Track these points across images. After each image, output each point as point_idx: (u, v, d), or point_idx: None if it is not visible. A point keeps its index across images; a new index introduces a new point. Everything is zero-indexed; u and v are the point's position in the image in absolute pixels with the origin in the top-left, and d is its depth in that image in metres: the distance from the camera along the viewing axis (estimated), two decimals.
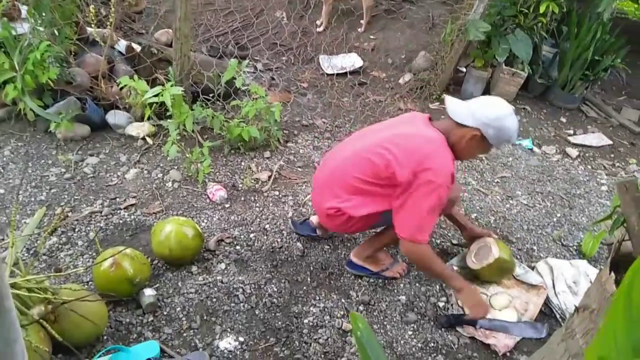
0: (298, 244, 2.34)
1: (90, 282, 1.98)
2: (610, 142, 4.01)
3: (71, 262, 2.09)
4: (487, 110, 1.79)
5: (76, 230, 2.27)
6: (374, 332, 0.74)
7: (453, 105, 1.88)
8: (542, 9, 3.83)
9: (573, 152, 3.77)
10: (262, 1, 4.39)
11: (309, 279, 2.16)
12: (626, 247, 1.50)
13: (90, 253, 2.15)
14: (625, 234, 1.43)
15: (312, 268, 2.22)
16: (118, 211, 2.42)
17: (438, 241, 2.51)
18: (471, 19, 3.71)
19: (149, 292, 1.91)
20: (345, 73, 4.19)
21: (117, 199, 2.51)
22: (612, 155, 3.88)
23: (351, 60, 4.38)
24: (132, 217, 2.40)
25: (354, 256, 2.21)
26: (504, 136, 1.82)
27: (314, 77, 4.23)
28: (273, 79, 4.13)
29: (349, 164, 1.94)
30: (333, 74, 4.21)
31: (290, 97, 3.80)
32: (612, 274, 1.34)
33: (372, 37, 4.85)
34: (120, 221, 2.36)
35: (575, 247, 2.64)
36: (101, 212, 2.39)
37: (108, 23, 3.10)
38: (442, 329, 2.01)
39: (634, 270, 0.56)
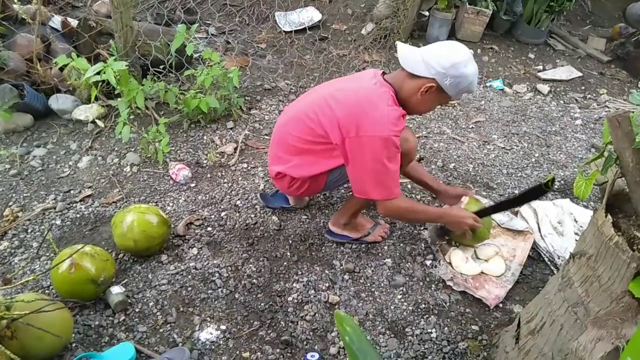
0: (273, 217, 2.20)
1: (51, 287, 1.81)
2: (580, 74, 3.94)
3: (27, 267, 1.91)
4: (442, 58, 1.60)
5: (29, 231, 2.07)
6: (363, 334, 0.67)
7: (404, 53, 1.68)
8: None
9: (544, 88, 3.68)
10: None
11: (288, 254, 2.03)
12: (618, 186, 1.41)
13: (47, 254, 1.97)
14: (617, 173, 1.34)
15: (290, 241, 2.09)
16: (74, 205, 2.23)
17: (418, 196, 2.41)
18: None
19: (116, 290, 1.76)
20: (304, 29, 3.94)
21: (72, 192, 2.31)
22: (583, 88, 3.81)
23: (309, 15, 4.12)
24: (90, 209, 2.21)
25: (332, 225, 2.09)
26: (463, 85, 1.64)
27: (271, 37, 3.97)
28: (228, 42, 3.86)
29: (290, 124, 1.85)
30: (291, 31, 3.96)
31: (248, 60, 3.56)
32: (609, 216, 1.25)
33: None
34: (78, 215, 2.17)
35: (557, 187, 2.59)
36: (55, 208, 2.19)
37: None
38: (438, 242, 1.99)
39: None
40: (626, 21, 4.73)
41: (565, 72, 3.96)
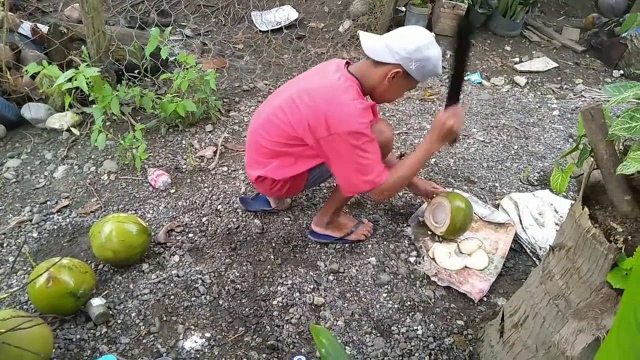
0: (256, 220, 2.18)
1: (28, 302, 1.77)
2: (556, 65, 3.99)
3: (3, 282, 1.86)
4: (405, 43, 1.60)
5: (4, 245, 2.02)
6: (340, 345, 0.66)
7: (367, 41, 1.67)
8: None
9: (521, 80, 3.72)
10: None
11: (272, 257, 2.02)
12: (594, 177, 1.43)
13: (24, 269, 1.92)
14: (593, 165, 1.35)
15: (274, 244, 2.08)
16: (50, 216, 2.18)
17: (400, 194, 2.41)
18: None
19: (97, 302, 1.72)
20: (281, 28, 3.92)
21: (48, 203, 2.25)
22: (559, 78, 3.86)
23: (285, 14, 4.09)
24: (68, 220, 2.16)
25: (315, 225, 2.08)
26: (428, 68, 1.64)
27: (248, 37, 3.94)
28: (204, 44, 3.82)
29: (263, 127, 1.83)
30: (268, 31, 3.93)
31: (225, 61, 3.53)
32: (585, 208, 1.26)
33: None
34: (55, 227, 2.12)
35: (536, 178, 2.62)
36: (31, 221, 2.14)
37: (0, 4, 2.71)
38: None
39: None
40: (598, 11, 4.80)
41: (542, 63, 4.00)
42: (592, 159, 1.34)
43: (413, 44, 1.59)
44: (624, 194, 1.26)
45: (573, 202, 1.37)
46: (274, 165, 1.84)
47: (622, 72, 3.95)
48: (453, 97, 1.72)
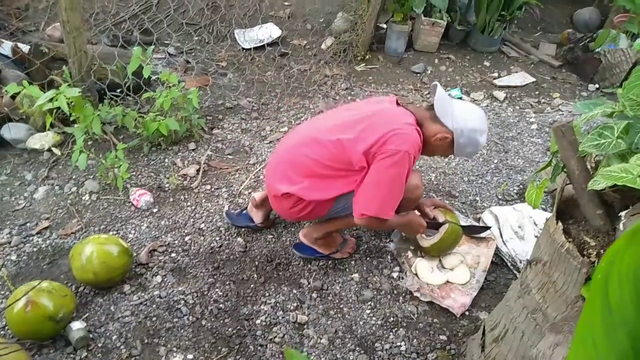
0: (239, 239, 2.18)
1: (6, 327, 1.73)
2: (534, 79, 4.08)
3: None
4: (468, 119, 1.75)
5: None
6: None
7: (440, 96, 1.77)
8: None
9: (500, 94, 3.79)
10: None
11: (255, 275, 2.02)
12: (568, 192, 1.46)
13: (2, 293, 1.89)
14: (566, 179, 1.39)
15: (257, 262, 2.08)
16: (30, 238, 2.15)
17: None
18: None
19: (77, 326, 1.70)
20: (264, 45, 3.95)
21: (28, 224, 2.23)
22: (537, 92, 3.94)
23: (267, 31, 4.13)
24: (48, 242, 2.13)
25: (303, 236, 2.08)
26: (470, 150, 1.80)
27: (231, 55, 3.97)
28: (188, 62, 3.83)
29: (305, 145, 1.82)
30: (250, 48, 3.97)
31: (209, 79, 3.54)
32: (559, 223, 1.30)
33: (286, 3, 4.60)
34: (35, 249, 2.10)
35: (516, 192, 2.66)
36: (10, 243, 2.11)
37: None
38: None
39: (607, 262, 0.46)
40: (573, 27, 4.93)
41: (520, 78, 4.09)
42: (565, 175, 1.38)
43: (474, 123, 1.75)
44: (596, 208, 1.30)
45: (546, 219, 1.40)
46: (305, 185, 1.80)
47: (597, 85, 4.06)
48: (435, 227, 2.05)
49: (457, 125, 1.73)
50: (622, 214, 1.23)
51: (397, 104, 1.86)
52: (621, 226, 1.21)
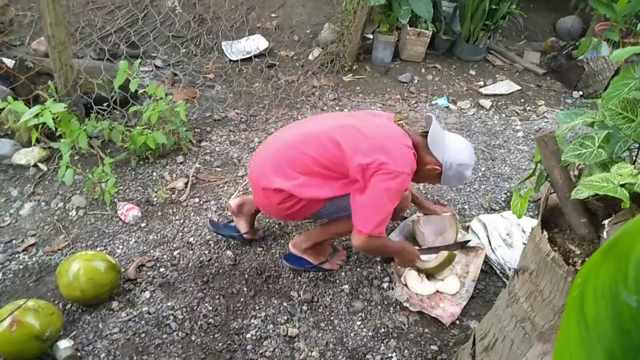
0: (228, 252, 2.17)
1: None
2: (519, 87, 4.13)
3: None
4: (458, 153, 1.82)
5: None
6: None
7: (435, 129, 1.83)
8: None
9: (486, 103, 3.84)
10: None
11: (245, 289, 2.01)
12: (552, 201, 1.48)
13: None
14: (550, 189, 1.41)
15: (246, 276, 2.07)
16: (16, 255, 2.12)
17: None
18: None
19: (64, 344, 1.68)
20: (251, 57, 3.97)
21: (14, 241, 2.20)
22: (523, 100, 4.00)
23: (255, 43, 4.15)
24: (34, 259, 2.11)
25: (293, 247, 2.07)
26: (454, 182, 1.89)
27: (219, 67, 3.97)
28: (175, 74, 3.83)
29: (307, 143, 1.80)
30: (238, 60, 3.98)
31: (196, 91, 3.54)
32: (544, 232, 1.31)
33: (273, 15, 4.63)
34: (21, 267, 2.07)
35: (503, 199, 2.69)
36: None
37: None
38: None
39: (582, 278, 0.47)
40: (557, 35, 5.02)
41: (505, 86, 4.14)
42: (549, 184, 1.40)
43: (462, 158, 1.82)
44: (580, 217, 1.31)
45: (532, 227, 1.42)
46: (300, 182, 1.79)
47: (581, 92, 4.12)
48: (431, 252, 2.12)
49: (447, 159, 1.80)
50: (606, 222, 1.24)
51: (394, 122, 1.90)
52: (605, 234, 1.23)
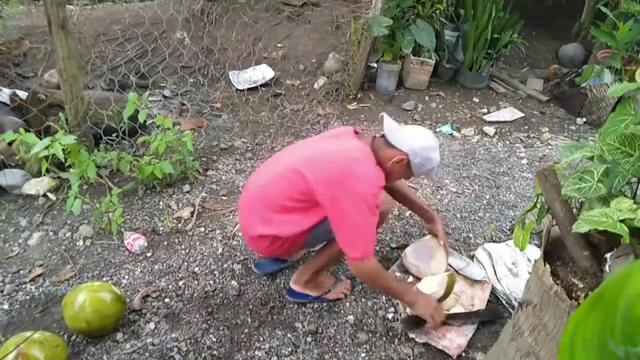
0: (233, 282, 2.17)
1: None
2: (522, 114, 4.17)
3: None
4: (416, 140, 1.82)
5: None
6: None
7: (390, 124, 1.87)
8: None
9: (490, 130, 3.87)
10: (153, 27, 4.13)
11: (249, 320, 2.00)
12: (555, 233, 1.48)
13: None
14: (552, 221, 1.42)
15: (251, 306, 2.07)
16: (23, 286, 2.14)
17: (378, 247, 2.44)
18: (372, 15, 3.70)
19: None
20: (257, 87, 4.05)
21: (21, 272, 2.22)
22: (526, 127, 4.02)
23: (261, 73, 4.24)
24: (41, 289, 2.12)
25: (294, 284, 2.09)
26: (427, 167, 1.86)
27: (226, 96, 4.05)
28: (183, 104, 3.91)
29: (271, 183, 1.86)
30: (244, 90, 4.06)
31: (203, 121, 3.61)
32: (547, 265, 1.31)
33: (279, 45, 4.74)
34: (27, 297, 2.08)
35: (509, 227, 2.68)
36: (2, 292, 2.10)
37: None
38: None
39: (572, 327, 0.48)
40: (559, 62, 5.08)
41: (509, 113, 4.18)
42: (551, 216, 1.41)
43: (422, 142, 1.82)
44: (582, 250, 1.32)
45: (534, 260, 1.42)
46: (277, 222, 1.83)
47: (584, 119, 4.14)
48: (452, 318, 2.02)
49: (409, 146, 1.80)
50: (608, 255, 1.25)
51: (355, 132, 1.92)
52: (607, 268, 1.23)
